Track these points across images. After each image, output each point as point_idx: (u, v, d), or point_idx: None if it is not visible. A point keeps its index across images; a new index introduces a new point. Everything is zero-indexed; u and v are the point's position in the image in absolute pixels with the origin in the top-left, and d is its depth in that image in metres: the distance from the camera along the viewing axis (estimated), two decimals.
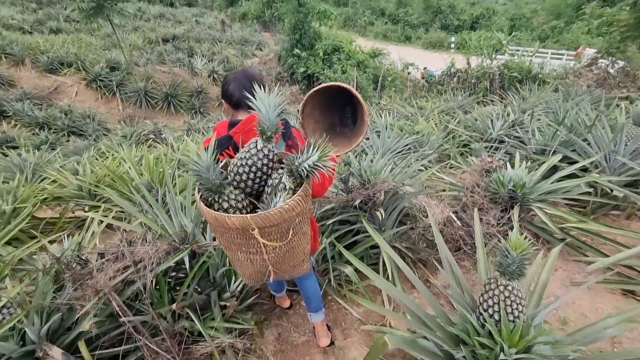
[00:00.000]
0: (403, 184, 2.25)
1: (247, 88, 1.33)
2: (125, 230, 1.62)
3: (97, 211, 3.40)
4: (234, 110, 1.43)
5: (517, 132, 4.87)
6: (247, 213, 1.07)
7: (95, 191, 3.51)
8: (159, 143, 7.95)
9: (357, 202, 2.17)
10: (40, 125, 9.28)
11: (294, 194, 1.03)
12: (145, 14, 23.68)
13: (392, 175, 2.41)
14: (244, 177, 1.07)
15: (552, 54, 14.27)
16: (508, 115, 5.52)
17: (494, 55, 10.28)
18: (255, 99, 1.02)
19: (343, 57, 13.33)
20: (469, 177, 2.57)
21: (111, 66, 11.91)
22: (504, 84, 9.23)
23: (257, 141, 1.06)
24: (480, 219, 2.24)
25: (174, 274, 1.84)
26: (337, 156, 1.36)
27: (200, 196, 1.06)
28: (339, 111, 1.51)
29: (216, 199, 1.06)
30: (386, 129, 5.00)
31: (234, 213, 1.06)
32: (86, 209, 3.39)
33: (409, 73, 13.98)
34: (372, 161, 2.74)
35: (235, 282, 1.91)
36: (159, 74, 12.61)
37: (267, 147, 1.05)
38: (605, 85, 7.66)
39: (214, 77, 13.14)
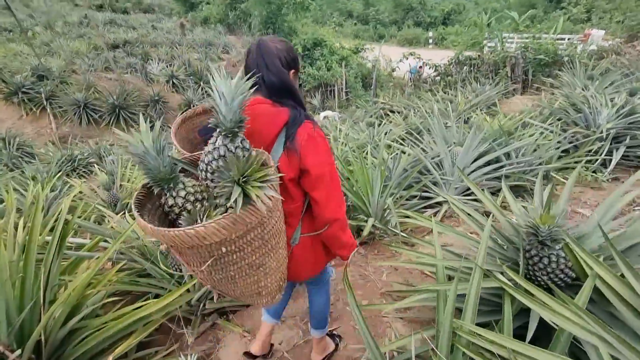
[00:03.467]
0: None
1: (259, 64, 1.04)
2: None
3: None
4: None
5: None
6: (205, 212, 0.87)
7: None
8: (100, 170, 5.77)
9: None
10: None
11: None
12: (91, 22, 20.92)
13: None
14: (203, 174, 0.89)
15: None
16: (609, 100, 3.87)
17: (504, 38, 8.89)
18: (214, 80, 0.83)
19: (326, 52, 11.54)
20: None
21: (39, 75, 9.45)
22: (528, 69, 7.78)
23: (217, 137, 0.86)
24: None
25: None
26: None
27: (150, 187, 0.87)
28: None
29: (166, 193, 0.87)
30: (458, 123, 3.21)
31: (179, 213, 0.87)
32: None
33: (393, 70, 12.48)
34: None
35: None
36: (104, 82, 10.25)
37: (225, 145, 0.84)
38: None
39: (173, 82, 10.93)
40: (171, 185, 0.85)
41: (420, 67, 10.37)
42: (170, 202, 0.85)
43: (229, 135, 0.83)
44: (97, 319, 1.42)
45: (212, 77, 0.81)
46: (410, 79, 9.52)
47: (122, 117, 9.24)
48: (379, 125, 5.34)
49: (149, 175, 0.81)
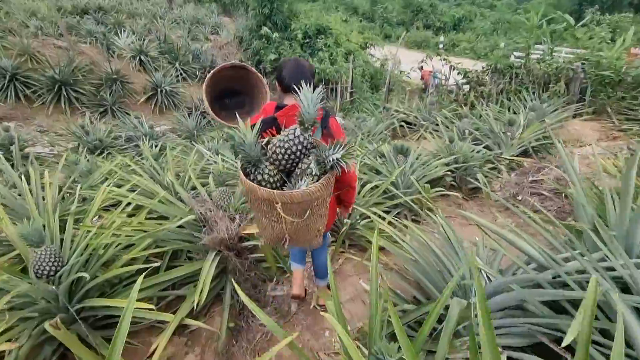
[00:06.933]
0: None
1: (296, 75, 1.48)
2: None
3: None
4: (284, 94, 1.57)
5: None
6: (277, 187, 1.24)
7: None
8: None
9: None
10: None
11: (318, 179, 1.20)
12: None
13: None
14: (280, 157, 1.22)
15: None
16: None
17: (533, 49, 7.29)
18: (300, 92, 1.18)
19: (331, 42, 9.68)
20: None
21: None
22: (586, 87, 6.16)
23: (295, 129, 1.22)
24: None
25: None
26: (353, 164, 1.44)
27: (241, 166, 1.25)
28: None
29: (252, 171, 1.24)
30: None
31: (265, 186, 1.22)
32: None
33: (402, 72, 10.77)
34: None
35: None
36: (49, 50, 8.16)
37: (303, 135, 1.21)
38: None
39: (141, 59, 8.92)
40: (258, 165, 1.22)
41: (430, 72, 8.53)
42: (259, 177, 1.21)
43: (306, 129, 1.20)
44: None
45: (300, 89, 1.17)
46: (433, 84, 7.82)
47: (63, 97, 7.20)
48: (412, 152, 3.54)
49: (245, 159, 1.20)
